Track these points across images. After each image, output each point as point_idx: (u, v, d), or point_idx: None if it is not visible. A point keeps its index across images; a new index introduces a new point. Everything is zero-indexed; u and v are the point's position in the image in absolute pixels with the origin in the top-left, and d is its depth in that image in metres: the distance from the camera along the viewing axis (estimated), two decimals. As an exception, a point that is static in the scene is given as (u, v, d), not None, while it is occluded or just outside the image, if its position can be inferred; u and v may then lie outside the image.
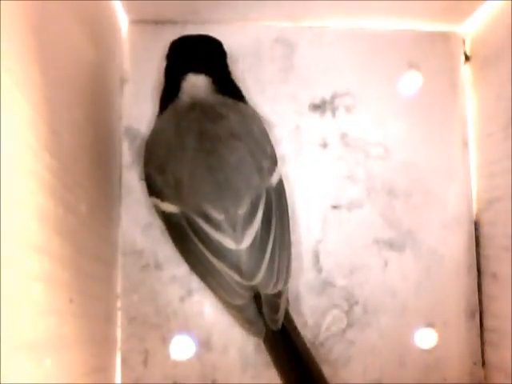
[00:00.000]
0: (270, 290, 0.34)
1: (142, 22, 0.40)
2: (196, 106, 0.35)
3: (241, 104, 0.36)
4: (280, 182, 0.36)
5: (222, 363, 0.38)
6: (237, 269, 0.33)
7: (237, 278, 0.33)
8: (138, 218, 0.38)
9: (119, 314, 0.38)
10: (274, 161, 0.36)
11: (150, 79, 0.40)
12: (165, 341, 0.38)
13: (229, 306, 0.35)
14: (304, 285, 0.39)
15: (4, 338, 0.18)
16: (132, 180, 0.39)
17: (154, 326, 0.38)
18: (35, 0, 0.23)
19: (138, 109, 0.39)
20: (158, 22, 0.40)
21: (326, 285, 0.39)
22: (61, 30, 0.27)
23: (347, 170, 0.40)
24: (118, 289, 0.38)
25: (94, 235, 0.32)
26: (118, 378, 0.37)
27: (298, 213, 0.40)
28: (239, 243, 0.33)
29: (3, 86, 0.19)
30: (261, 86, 0.40)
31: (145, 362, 0.38)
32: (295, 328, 0.35)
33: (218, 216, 0.33)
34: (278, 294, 0.34)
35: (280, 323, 0.34)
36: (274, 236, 0.34)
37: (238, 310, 0.35)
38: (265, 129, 0.36)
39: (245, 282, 0.33)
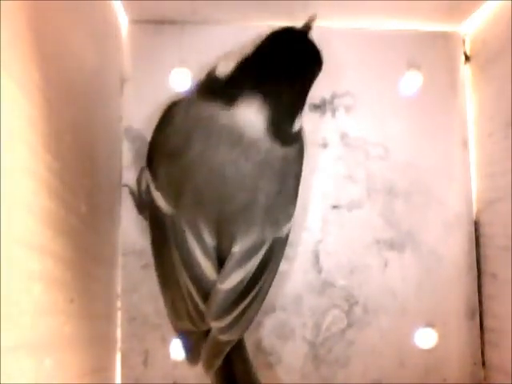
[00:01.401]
0: (224, 337, 0.31)
1: (142, 22, 0.40)
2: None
3: (289, 149, 0.32)
4: (287, 235, 0.34)
5: (222, 363, 0.38)
6: (207, 302, 0.30)
7: (201, 307, 0.30)
8: (138, 218, 0.38)
9: (119, 314, 0.38)
10: (291, 216, 0.33)
11: (150, 79, 0.40)
12: (165, 341, 0.38)
13: (173, 323, 0.32)
14: (304, 285, 0.39)
15: (4, 337, 0.18)
16: (132, 180, 0.39)
17: (154, 325, 0.38)
18: (35, 0, 0.23)
19: (138, 109, 0.39)
20: (158, 22, 0.40)
21: (326, 285, 0.39)
22: (61, 30, 0.27)
23: (347, 170, 0.40)
24: (118, 289, 0.38)
25: (95, 235, 0.32)
26: (118, 378, 0.37)
27: (298, 213, 0.39)
28: (222, 281, 0.30)
29: (3, 85, 0.19)
30: (261, 86, 0.40)
31: (145, 362, 0.38)
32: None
33: (210, 241, 0.30)
34: (228, 342, 0.31)
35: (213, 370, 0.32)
36: (260, 288, 0.31)
37: (180, 333, 0.32)
38: (299, 177, 0.33)
39: (207, 319, 0.30)
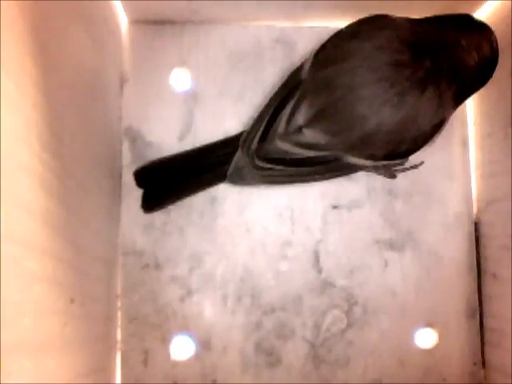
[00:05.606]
0: None
1: (142, 22, 0.40)
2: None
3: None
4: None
5: (222, 363, 0.38)
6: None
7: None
8: (137, 218, 0.38)
9: (119, 314, 0.38)
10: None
11: (150, 79, 0.40)
12: (165, 341, 0.38)
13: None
14: (304, 285, 0.39)
15: (4, 337, 0.18)
16: (132, 180, 0.39)
17: (154, 325, 0.38)
18: (35, 0, 0.23)
19: (138, 109, 0.39)
20: (158, 22, 0.40)
21: (326, 285, 0.39)
22: (61, 30, 0.27)
23: (347, 170, 0.40)
24: (118, 289, 0.38)
25: (94, 235, 0.32)
26: (118, 378, 0.37)
27: (298, 213, 0.40)
28: None
29: (3, 86, 0.19)
30: (261, 86, 0.40)
31: (145, 362, 0.38)
32: None
33: None
34: None
35: None
36: None
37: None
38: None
39: None
